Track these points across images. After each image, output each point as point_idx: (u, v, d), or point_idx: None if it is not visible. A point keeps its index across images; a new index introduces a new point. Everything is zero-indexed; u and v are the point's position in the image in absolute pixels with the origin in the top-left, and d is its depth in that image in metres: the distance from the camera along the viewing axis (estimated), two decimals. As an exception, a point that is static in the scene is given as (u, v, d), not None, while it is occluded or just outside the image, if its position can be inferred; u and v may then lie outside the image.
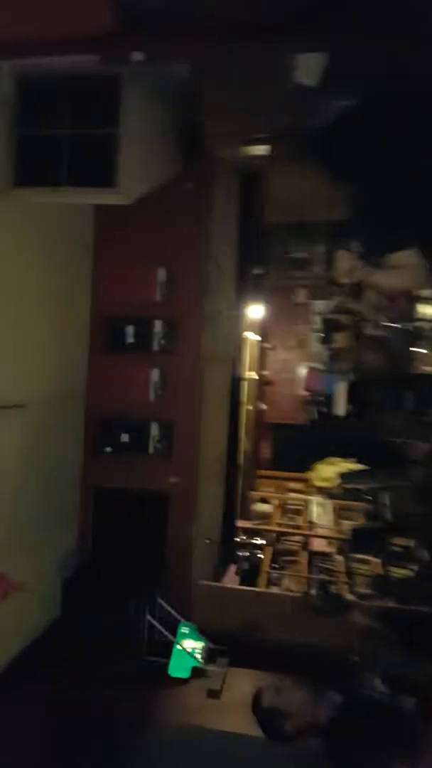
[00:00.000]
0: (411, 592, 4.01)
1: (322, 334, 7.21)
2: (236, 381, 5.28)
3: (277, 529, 5.43)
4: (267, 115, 3.44)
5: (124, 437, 3.82)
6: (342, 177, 1.99)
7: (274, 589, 4.35)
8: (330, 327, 7.08)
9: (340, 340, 6.97)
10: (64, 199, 2.84)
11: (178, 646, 3.45)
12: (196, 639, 3.55)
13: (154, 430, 3.85)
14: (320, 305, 7.45)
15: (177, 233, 3.95)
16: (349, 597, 4.03)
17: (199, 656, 3.47)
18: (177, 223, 3.94)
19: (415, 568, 4.43)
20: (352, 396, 6.66)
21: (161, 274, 3.87)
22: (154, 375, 3.88)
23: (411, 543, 4.64)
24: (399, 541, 4.75)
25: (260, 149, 4.14)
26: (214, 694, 3.25)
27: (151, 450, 3.82)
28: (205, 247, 4.05)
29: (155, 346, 3.84)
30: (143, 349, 3.85)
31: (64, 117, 2.64)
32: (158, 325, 3.85)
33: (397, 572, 4.41)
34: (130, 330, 3.82)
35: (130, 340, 3.83)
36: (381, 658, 1.99)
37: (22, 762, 2.61)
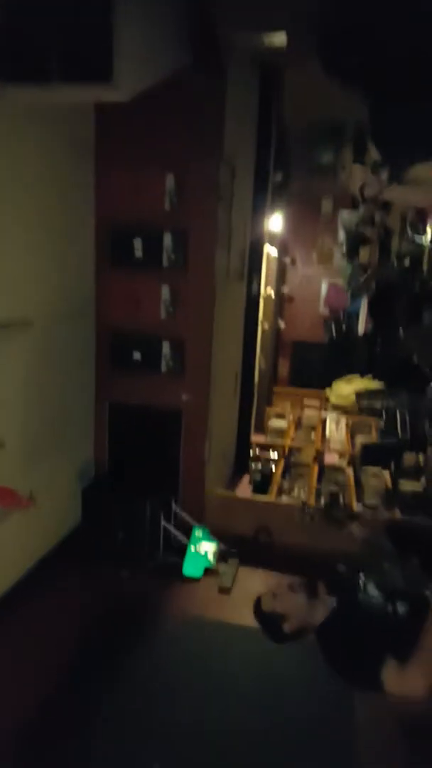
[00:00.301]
0: (417, 504, 4.11)
1: (346, 248, 6.88)
2: (254, 297, 5.15)
3: (290, 443, 5.53)
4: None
5: (136, 355, 3.82)
6: (354, 81, 1.78)
7: (285, 499, 4.51)
8: (354, 240, 6.74)
9: (364, 254, 6.66)
10: (56, 97, 2.62)
11: (192, 548, 3.69)
12: (209, 541, 3.78)
13: (166, 348, 3.83)
14: (346, 217, 7.03)
15: (186, 134, 3.63)
16: (356, 508, 4.17)
17: (211, 557, 3.72)
18: (186, 123, 3.61)
19: (423, 482, 4.51)
20: (374, 313, 6.48)
21: (170, 180, 3.64)
22: (165, 292, 3.79)
23: (421, 459, 4.70)
24: (410, 457, 4.81)
25: (279, 39, 3.71)
26: (224, 590, 3.51)
27: (163, 368, 3.82)
28: (219, 150, 3.77)
29: (165, 261, 3.70)
30: (152, 264, 3.71)
31: (52, 3, 2.37)
32: (168, 238, 3.68)
33: (406, 486, 4.49)
34: (137, 243, 3.66)
35: (139, 254, 3.68)
36: (377, 567, 2.05)
37: (52, 644, 2.91)
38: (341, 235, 6.99)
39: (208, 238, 3.83)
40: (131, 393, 4.01)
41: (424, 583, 1.93)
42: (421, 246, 5.11)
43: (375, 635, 1.75)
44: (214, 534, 3.87)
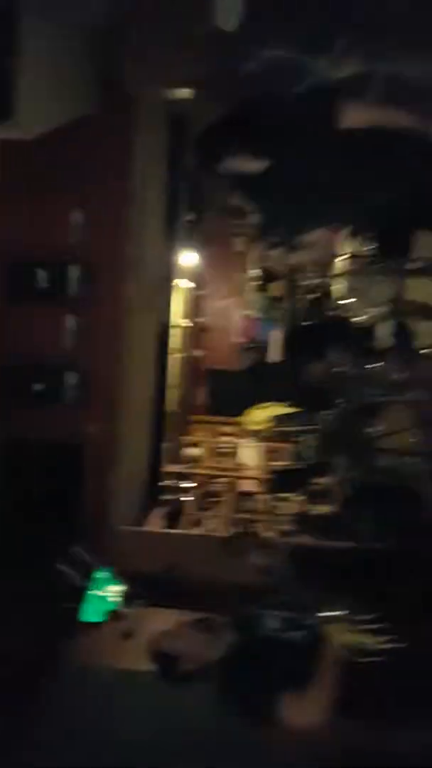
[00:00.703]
0: (327, 528, 4.24)
1: (258, 283, 7.19)
2: (165, 328, 5.22)
3: (203, 471, 5.57)
4: (190, 58, 3.22)
5: (37, 387, 3.72)
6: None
7: (197, 531, 4.51)
8: (266, 276, 7.07)
9: (275, 288, 6.99)
10: None
11: (93, 591, 3.55)
12: (113, 583, 3.66)
13: (71, 379, 3.77)
14: (258, 254, 7.36)
15: (94, 172, 3.72)
16: (269, 535, 4.25)
17: (114, 599, 3.59)
18: (94, 162, 3.71)
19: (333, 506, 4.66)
20: (286, 343, 6.75)
21: (76, 215, 3.66)
22: (70, 322, 3.76)
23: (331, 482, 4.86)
24: (320, 481, 4.97)
25: (186, 92, 3.90)
26: (128, 635, 3.39)
27: (66, 400, 3.75)
28: (127, 188, 3.85)
29: (71, 292, 3.69)
30: (57, 295, 3.69)
31: None
32: (73, 270, 3.68)
33: (317, 509, 4.64)
34: (41, 275, 3.63)
35: (43, 284, 3.65)
36: (276, 597, 2.08)
37: None
38: (253, 271, 7.33)
39: (117, 270, 3.88)
40: (32, 428, 3.87)
41: (319, 610, 1.96)
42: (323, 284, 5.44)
43: (272, 668, 1.76)
44: (122, 574, 3.77)
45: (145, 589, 3.68)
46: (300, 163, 1.66)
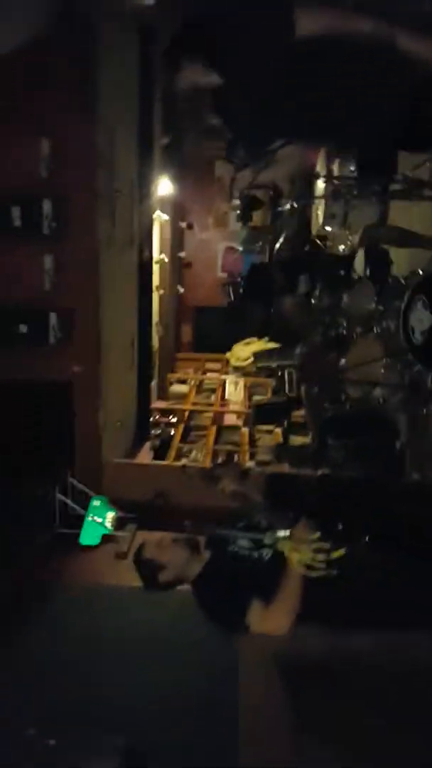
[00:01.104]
0: (304, 457, 4.41)
1: (240, 212, 6.97)
2: (145, 264, 5.12)
3: (189, 407, 5.68)
4: None
5: (22, 328, 3.71)
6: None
7: (183, 462, 4.67)
8: (247, 204, 6.83)
9: (257, 217, 6.79)
10: None
11: (89, 517, 3.76)
12: (107, 509, 3.86)
13: (53, 319, 3.75)
14: (240, 180, 7.08)
15: (60, 98, 3.49)
16: (249, 464, 4.42)
17: (109, 524, 3.81)
18: (59, 86, 3.47)
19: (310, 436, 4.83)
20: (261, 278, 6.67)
21: (45, 145, 3.49)
22: (48, 261, 3.68)
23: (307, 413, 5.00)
24: (298, 413, 5.10)
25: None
26: (121, 555, 3.63)
27: (51, 340, 3.75)
28: (95, 113, 3.65)
29: (46, 230, 3.58)
30: (33, 233, 3.58)
31: None
32: (47, 205, 3.55)
33: (295, 441, 4.80)
34: (15, 211, 3.50)
35: (17, 222, 3.53)
36: (248, 520, 2.21)
37: None
38: (235, 200, 7.08)
39: (89, 205, 3.74)
40: (18, 369, 3.89)
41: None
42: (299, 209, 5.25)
43: (242, 582, 1.91)
44: (113, 502, 3.95)
45: (136, 515, 3.89)
46: (259, 76, 1.59)
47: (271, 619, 1.82)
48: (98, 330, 3.93)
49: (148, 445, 5.03)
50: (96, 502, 3.85)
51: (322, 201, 3.69)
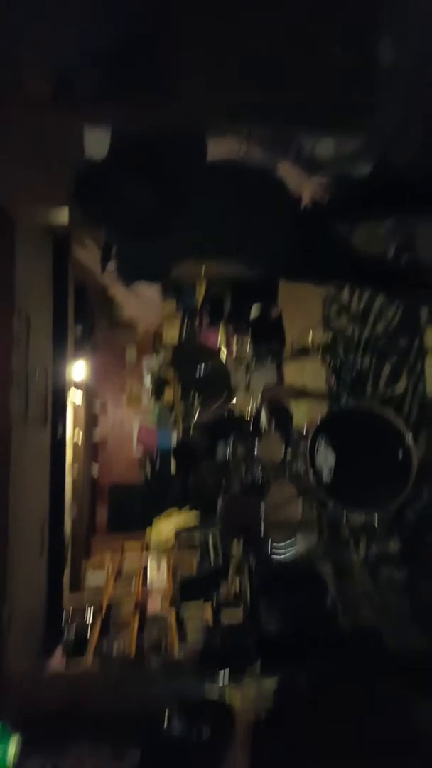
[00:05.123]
0: (238, 636, 4.04)
1: (151, 390, 7.36)
2: (59, 443, 5.06)
3: (108, 595, 5.17)
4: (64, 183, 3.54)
5: None
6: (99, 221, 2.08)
7: (102, 662, 4.08)
8: (158, 383, 7.28)
9: (168, 395, 7.19)
10: None
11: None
12: (7, 736, 3.13)
13: None
14: (151, 361, 7.64)
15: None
16: (179, 653, 3.95)
17: (10, 754, 3.06)
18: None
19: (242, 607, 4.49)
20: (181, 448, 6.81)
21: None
22: None
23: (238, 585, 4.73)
24: (227, 584, 4.80)
25: (64, 214, 4.24)
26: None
27: None
28: (11, 301, 3.94)
29: None
30: None
31: None
32: None
33: (226, 616, 4.43)
34: None
35: None
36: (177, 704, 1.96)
37: None
38: (147, 379, 7.53)
39: (2, 385, 3.80)
40: None
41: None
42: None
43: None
44: (17, 723, 3.25)
45: (46, 736, 3.18)
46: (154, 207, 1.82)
47: None
48: (6, 515, 3.66)
49: (61, 645, 4.39)
50: (-3, 728, 3.14)
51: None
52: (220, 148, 1.92)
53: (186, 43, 1.96)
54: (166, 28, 1.88)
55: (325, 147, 2.07)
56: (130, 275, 2.19)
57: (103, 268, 2.49)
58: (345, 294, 3.07)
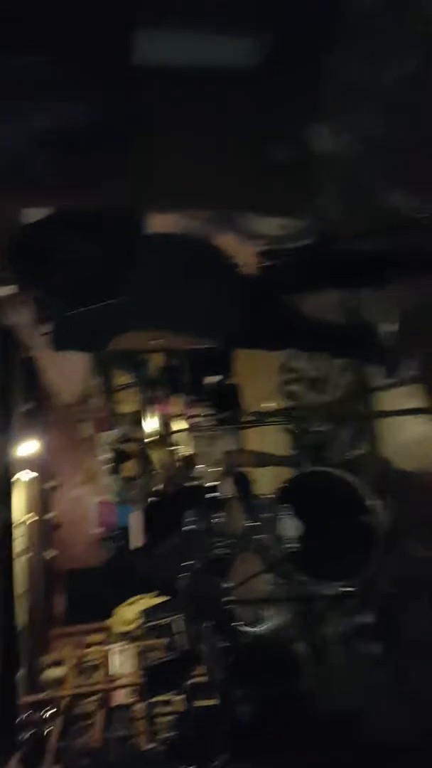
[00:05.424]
0: (208, 727, 3.72)
1: (111, 465, 7.13)
2: (6, 528, 4.75)
3: (68, 693, 4.72)
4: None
5: None
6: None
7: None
8: (117, 457, 7.07)
9: (128, 468, 6.97)
10: None
11: None
12: None
13: None
14: (107, 436, 7.45)
15: None
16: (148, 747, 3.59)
17: None
18: None
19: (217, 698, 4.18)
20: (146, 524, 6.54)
21: None
22: None
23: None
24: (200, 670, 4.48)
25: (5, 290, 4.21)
26: None
27: None
28: None
29: None
30: None
31: None
32: None
33: (200, 705, 4.10)
34: None
35: None
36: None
37: None
38: (104, 454, 7.31)
39: None
40: None
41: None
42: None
43: None
44: None
45: None
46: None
47: None
48: None
49: (16, 756, 3.91)
50: None
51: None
52: (160, 222, 1.98)
53: (132, 131, 2.05)
54: (112, 116, 1.96)
55: (266, 224, 2.18)
56: (64, 341, 2.16)
57: (38, 331, 2.45)
58: (301, 361, 3.14)
